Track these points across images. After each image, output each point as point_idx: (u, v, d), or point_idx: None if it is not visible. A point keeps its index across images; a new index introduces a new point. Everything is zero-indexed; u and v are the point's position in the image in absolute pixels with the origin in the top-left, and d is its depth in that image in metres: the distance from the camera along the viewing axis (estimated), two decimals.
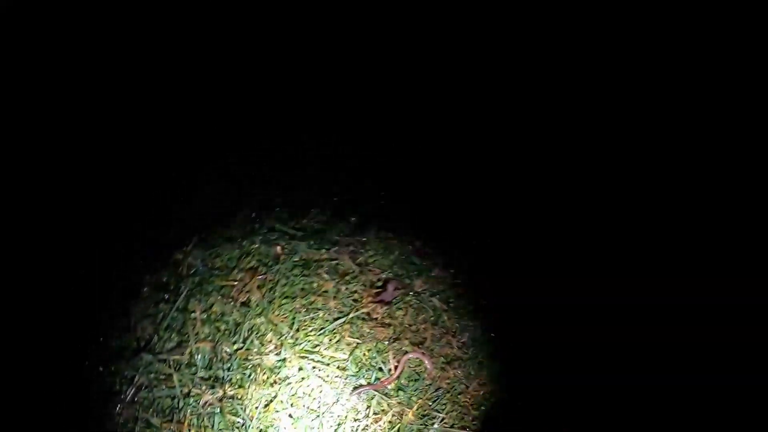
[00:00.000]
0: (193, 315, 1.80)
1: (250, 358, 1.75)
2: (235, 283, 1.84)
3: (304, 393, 1.71)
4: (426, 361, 1.76)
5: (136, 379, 1.75)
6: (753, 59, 2.09)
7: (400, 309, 1.81)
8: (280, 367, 1.74)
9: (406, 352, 1.76)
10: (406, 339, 1.78)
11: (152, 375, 1.76)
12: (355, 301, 1.82)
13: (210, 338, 1.78)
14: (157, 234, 1.87)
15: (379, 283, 1.84)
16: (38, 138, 2.00)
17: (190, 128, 2.01)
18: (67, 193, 1.96)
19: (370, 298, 1.78)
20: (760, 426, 1.63)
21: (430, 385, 1.76)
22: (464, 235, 1.96)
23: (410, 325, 1.79)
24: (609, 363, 1.72)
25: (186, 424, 1.68)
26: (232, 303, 1.82)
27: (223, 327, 1.80)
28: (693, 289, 1.80)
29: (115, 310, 1.86)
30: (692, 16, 2.15)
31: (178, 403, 1.71)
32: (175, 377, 1.75)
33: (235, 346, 1.76)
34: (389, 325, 1.79)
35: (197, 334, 1.78)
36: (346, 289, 1.83)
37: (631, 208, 2.01)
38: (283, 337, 1.76)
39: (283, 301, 1.81)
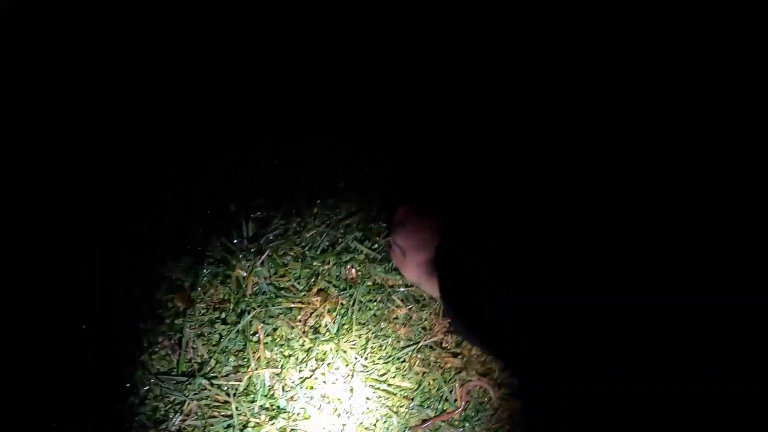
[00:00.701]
0: (254, 338, 1.43)
1: (316, 387, 1.42)
2: (304, 305, 1.46)
3: (370, 424, 1.45)
4: (489, 389, 1.57)
5: (185, 405, 1.46)
6: (753, 59, 1.93)
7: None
8: (348, 398, 1.41)
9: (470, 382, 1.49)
10: (474, 370, 1.54)
11: (204, 402, 1.47)
12: (424, 329, 1.51)
13: (272, 364, 1.43)
14: (218, 249, 1.41)
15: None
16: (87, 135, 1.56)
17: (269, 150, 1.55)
18: (120, 201, 1.53)
19: (441, 327, 1.45)
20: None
21: (494, 415, 1.51)
22: (537, 264, 1.66)
23: (478, 356, 1.50)
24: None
25: None
26: (299, 327, 1.43)
27: (287, 353, 1.46)
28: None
29: (164, 327, 1.48)
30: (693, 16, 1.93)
31: None
32: (233, 405, 1.46)
33: (301, 374, 1.43)
34: (457, 355, 1.52)
35: (258, 359, 1.44)
36: (417, 317, 1.51)
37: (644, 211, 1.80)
38: (353, 365, 1.43)
39: (356, 328, 1.47)
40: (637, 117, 2.04)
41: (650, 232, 1.80)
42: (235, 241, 1.49)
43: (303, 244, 1.55)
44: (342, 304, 1.56)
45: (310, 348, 1.52)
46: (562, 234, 1.76)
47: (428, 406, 1.56)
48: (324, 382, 1.51)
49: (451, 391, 1.58)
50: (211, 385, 1.46)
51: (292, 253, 1.54)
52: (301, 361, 1.51)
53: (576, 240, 1.66)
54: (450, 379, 1.60)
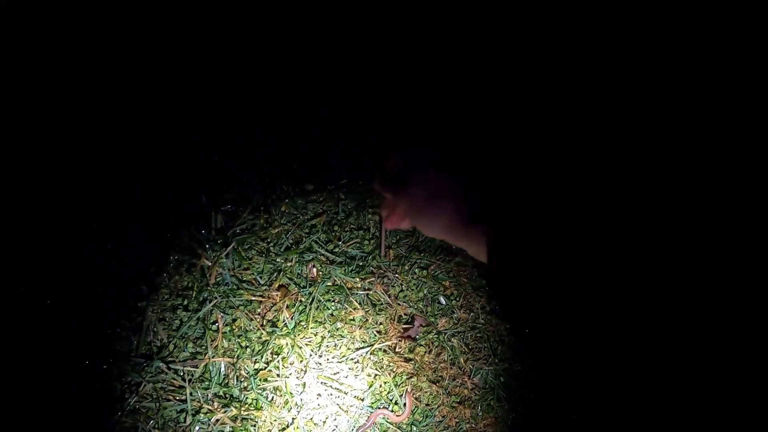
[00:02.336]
0: (214, 327, 1.39)
1: (270, 379, 1.39)
2: (264, 299, 1.43)
3: (320, 420, 1.41)
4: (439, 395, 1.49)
5: (141, 386, 1.39)
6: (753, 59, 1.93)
7: (422, 346, 1.51)
8: (299, 392, 1.38)
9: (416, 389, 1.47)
10: (425, 376, 1.49)
11: (160, 384, 1.40)
12: (379, 332, 1.50)
13: (229, 354, 1.39)
14: (187, 237, 1.39)
15: (405, 318, 1.48)
16: (53, 132, 1.53)
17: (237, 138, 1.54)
18: (86, 182, 1.48)
19: (396, 332, 1.44)
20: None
21: (441, 422, 1.47)
22: (489, 281, 1.65)
23: (430, 363, 1.48)
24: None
25: None
26: (258, 320, 1.41)
27: (245, 343, 1.43)
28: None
29: (126, 309, 1.43)
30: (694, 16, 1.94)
31: (186, 418, 1.39)
32: (187, 390, 1.40)
33: (256, 366, 1.41)
34: (410, 360, 1.48)
35: (216, 347, 1.40)
36: (373, 320, 1.49)
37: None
38: (306, 362, 1.40)
39: (312, 325, 1.44)
40: (637, 119, 2.03)
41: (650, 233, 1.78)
42: (203, 232, 1.47)
43: (268, 240, 1.52)
44: (301, 301, 1.52)
45: (266, 341, 1.47)
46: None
47: (378, 408, 1.53)
48: (278, 375, 1.47)
49: (401, 395, 1.55)
50: (168, 368, 1.42)
51: (257, 248, 1.52)
52: (257, 353, 1.47)
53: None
54: (401, 383, 1.56)
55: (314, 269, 1.51)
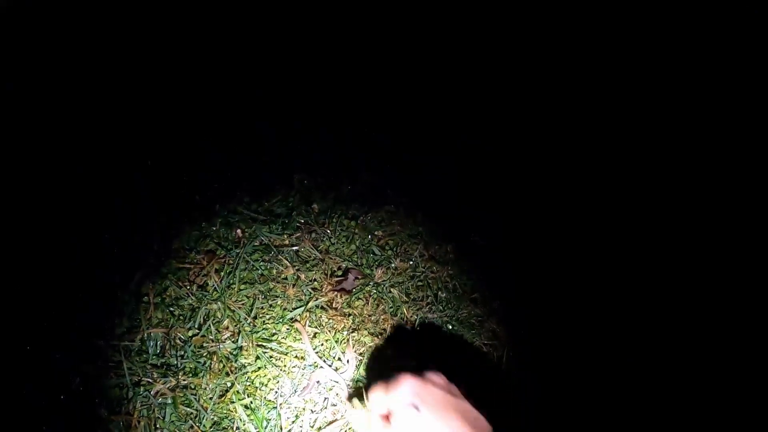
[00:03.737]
0: (145, 299, 1.33)
1: (205, 345, 1.34)
2: (192, 266, 1.38)
3: (261, 383, 1.32)
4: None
5: (81, 366, 1.31)
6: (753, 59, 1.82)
7: (360, 299, 1.42)
8: (236, 356, 1.33)
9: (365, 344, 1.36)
10: (366, 329, 1.39)
11: (100, 363, 1.33)
12: (314, 289, 1.41)
13: (163, 324, 1.33)
14: (110, 213, 1.36)
15: (339, 272, 1.40)
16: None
17: (156, 107, 1.52)
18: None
19: (330, 287, 1.35)
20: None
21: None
22: (425, 227, 1.55)
23: (370, 316, 1.39)
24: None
25: (135, 416, 1.29)
26: (187, 287, 1.36)
27: (177, 312, 1.38)
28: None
29: (59, 292, 1.39)
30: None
31: (128, 393, 1.31)
32: (125, 365, 1.33)
33: (190, 333, 1.35)
34: (349, 315, 1.39)
35: (149, 319, 1.33)
36: (306, 277, 1.41)
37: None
38: (241, 324, 1.34)
39: (242, 287, 1.39)
40: (634, 116, 1.97)
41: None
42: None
43: (189, 206, 1.50)
44: (229, 263, 1.48)
45: (198, 307, 1.43)
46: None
47: (320, 367, 1.44)
48: (212, 340, 1.41)
49: (343, 352, 1.46)
50: (107, 346, 1.38)
51: (182, 216, 1.49)
52: (189, 319, 1.43)
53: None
54: (342, 340, 1.47)
55: (239, 231, 1.46)
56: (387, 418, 1.02)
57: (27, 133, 1.50)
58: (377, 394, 1.02)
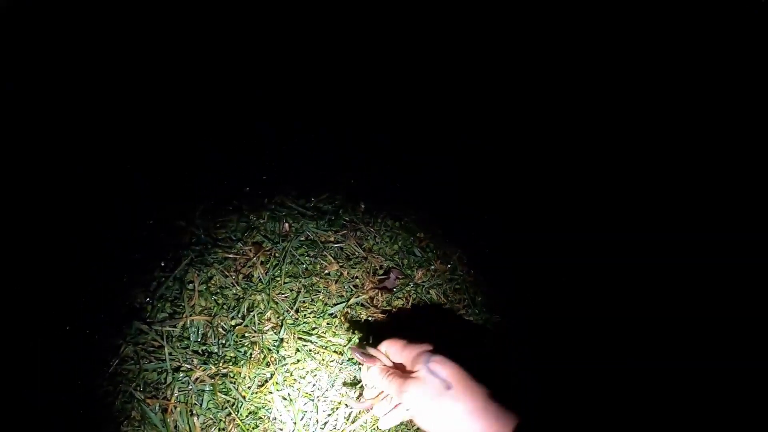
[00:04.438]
0: (190, 286, 1.33)
1: (247, 335, 1.32)
2: (239, 256, 1.38)
3: (300, 376, 1.31)
4: None
5: (122, 349, 1.30)
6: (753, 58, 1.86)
7: (400, 299, 1.40)
8: (277, 348, 1.30)
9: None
10: (403, 328, 1.37)
11: (140, 346, 1.31)
12: (355, 286, 1.40)
13: (206, 312, 1.32)
14: (159, 198, 1.36)
15: (381, 271, 1.40)
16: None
17: (206, 94, 1.52)
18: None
19: (371, 285, 1.36)
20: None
21: None
22: (467, 232, 1.57)
23: (408, 315, 1.38)
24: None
25: (173, 401, 1.27)
26: (233, 277, 1.35)
27: (221, 301, 1.36)
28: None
29: (104, 272, 1.37)
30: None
31: (166, 378, 1.29)
32: (166, 349, 1.31)
33: (233, 322, 1.33)
34: (388, 313, 1.37)
35: (193, 306, 1.32)
36: (348, 273, 1.41)
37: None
38: (283, 317, 1.33)
39: (287, 280, 1.38)
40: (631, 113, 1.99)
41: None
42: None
43: (240, 197, 1.50)
44: (275, 256, 1.48)
45: (242, 297, 1.41)
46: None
47: (357, 362, 1.44)
48: (255, 330, 1.40)
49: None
50: (150, 328, 1.36)
51: (230, 207, 1.49)
52: (233, 309, 1.42)
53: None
54: (381, 338, 1.47)
55: (287, 225, 1.46)
56: (402, 371, 1.04)
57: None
58: (397, 346, 1.06)
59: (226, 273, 1.35)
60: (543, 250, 1.57)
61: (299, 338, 1.34)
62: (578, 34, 2.04)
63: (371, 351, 1.13)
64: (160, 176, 1.45)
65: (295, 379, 1.32)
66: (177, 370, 1.29)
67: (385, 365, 1.07)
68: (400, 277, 1.42)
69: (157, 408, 1.26)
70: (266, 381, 1.31)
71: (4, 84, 1.46)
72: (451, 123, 1.88)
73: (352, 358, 1.31)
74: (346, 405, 1.29)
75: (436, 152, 1.81)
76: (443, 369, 0.94)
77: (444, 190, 1.71)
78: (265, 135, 1.64)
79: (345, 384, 1.32)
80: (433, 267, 1.51)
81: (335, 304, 1.39)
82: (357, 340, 1.34)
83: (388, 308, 1.42)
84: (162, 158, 1.50)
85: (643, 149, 1.88)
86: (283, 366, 1.32)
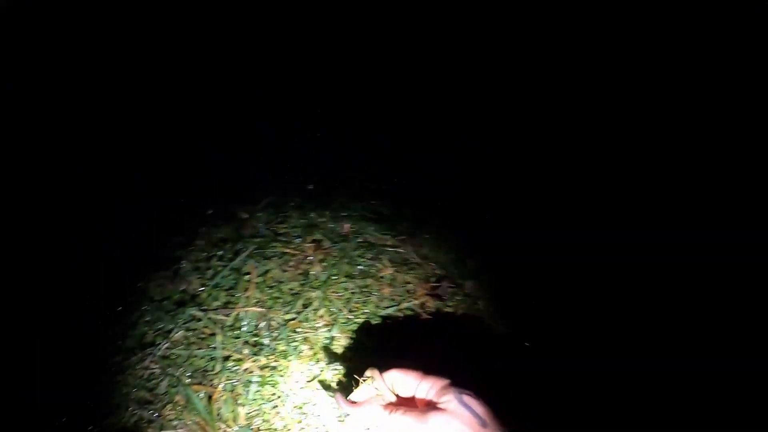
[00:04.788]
0: (246, 277, 1.33)
1: (299, 330, 1.31)
2: (298, 252, 1.39)
3: (347, 375, 1.27)
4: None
5: (173, 333, 1.30)
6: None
7: (449, 307, 1.39)
8: (329, 345, 1.28)
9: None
10: (451, 337, 1.37)
11: (191, 332, 1.31)
12: (408, 292, 1.39)
13: (260, 304, 1.32)
14: (224, 189, 1.37)
15: (433, 279, 1.41)
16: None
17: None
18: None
19: (423, 292, 1.36)
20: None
21: None
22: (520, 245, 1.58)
23: (456, 325, 1.39)
24: None
25: (219, 389, 1.24)
26: (291, 272, 1.35)
27: (276, 294, 1.35)
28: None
29: (163, 256, 1.40)
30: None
31: (215, 366, 1.27)
32: (218, 338, 1.30)
33: (287, 316, 1.32)
34: (437, 320, 1.37)
35: (248, 297, 1.32)
36: (402, 278, 1.41)
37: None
38: (336, 315, 1.32)
39: (343, 280, 1.37)
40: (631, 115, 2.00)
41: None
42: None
43: (303, 195, 1.52)
44: (333, 255, 1.49)
45: (298, 293, 1.39)
46: None
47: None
48: (308, 327, 1.40)
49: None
50: (203, 315, 1.36)
51: (292, 203, 1.51)
52: (288, 304, 1.41)
53: None
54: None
55: (347, 225, 1.47)
56: (412, 403, 0.93)
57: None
58: (412, 376, 0.93)
59: (284, 268, 1.35)
60: (543, 250, 1.57)
61: (350, 338, 1.33)
62: (578, 34, 2.10)
63: (369, 386, 0.98)
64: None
65: (342, 377, 1.31)
66: (227, 359, 1.28)
67: (388, 401, 0.95)
68: (452, 286, 1.43)
69: (202, 394, 1.24)
70: (315, 377, 1.29)
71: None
72: (451, 123, 1.90)
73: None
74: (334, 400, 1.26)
75: (436, 152, 1.81)
76: (478, 405, 0.85)
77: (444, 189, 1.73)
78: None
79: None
80: (483, 278, 1.52)
81: (386, 308, 1.39)
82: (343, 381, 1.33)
83: (437, 316, 1.42)
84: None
85: (643, 149, 1.90)
86: (331, 364, 1.31)
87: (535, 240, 1.57)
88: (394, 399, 0.95)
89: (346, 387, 1.13)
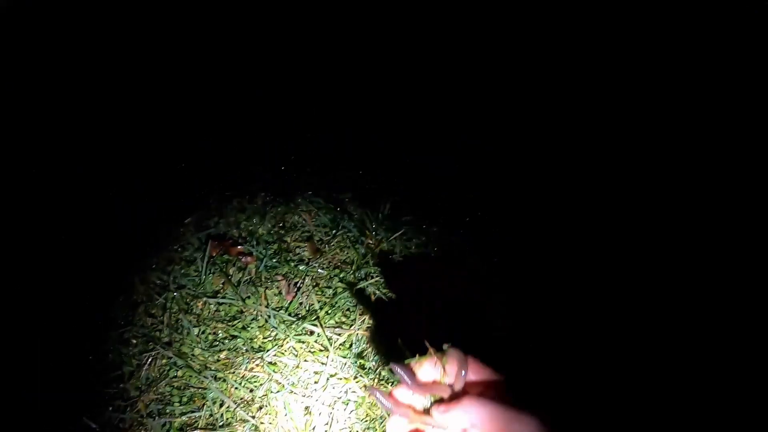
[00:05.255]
0: (364, 303, 1.39)
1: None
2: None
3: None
4: None
5: (284, 342, 1.37)
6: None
7: None
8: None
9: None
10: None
11: (303, 345, 1.37)
12: None
13: (370, 329, 1.35)
14: (359, 213, 1.48)
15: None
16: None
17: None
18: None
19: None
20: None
21: None
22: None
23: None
24: None
25: (317, 402, 1.30)
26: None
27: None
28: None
29: (286, 269, 1.49)
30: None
31: (319, 379, 1.32)
32: (330, 354, 1.35)
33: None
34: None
35: (363, 321, 1.40)
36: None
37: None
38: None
39: None
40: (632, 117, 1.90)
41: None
42: (372, 213, 1.52)
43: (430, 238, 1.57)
44: None
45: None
46: None
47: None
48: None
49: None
50: (319, 330, 1.36)
51: (423, 239, 1.56)
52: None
53: None
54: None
55: None
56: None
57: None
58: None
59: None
60: (543, 250, 1.50)
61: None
62: (578, 34, 2.06)
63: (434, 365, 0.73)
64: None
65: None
66: (333, 376, 1.28)
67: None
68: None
69: (301, 405, 1.25)
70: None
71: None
72: (451, 123, 1.88)
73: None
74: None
75: (436, 152, 1.79)
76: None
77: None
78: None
79: None
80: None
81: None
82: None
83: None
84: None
85: (643, 149, 1.80)
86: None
87: (535, 240, 1.54)
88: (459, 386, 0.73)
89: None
